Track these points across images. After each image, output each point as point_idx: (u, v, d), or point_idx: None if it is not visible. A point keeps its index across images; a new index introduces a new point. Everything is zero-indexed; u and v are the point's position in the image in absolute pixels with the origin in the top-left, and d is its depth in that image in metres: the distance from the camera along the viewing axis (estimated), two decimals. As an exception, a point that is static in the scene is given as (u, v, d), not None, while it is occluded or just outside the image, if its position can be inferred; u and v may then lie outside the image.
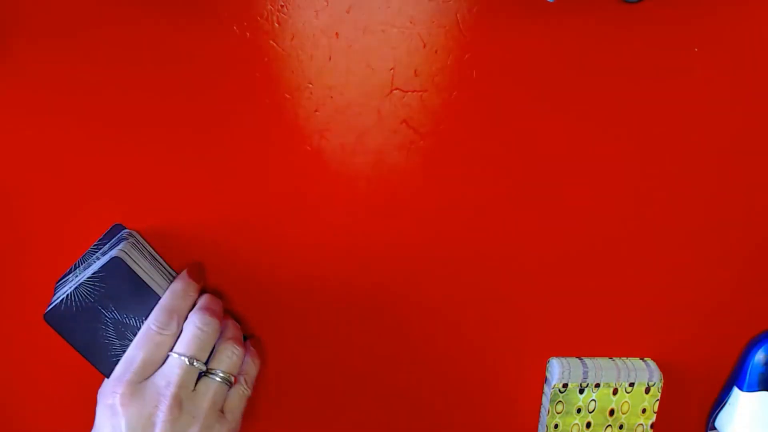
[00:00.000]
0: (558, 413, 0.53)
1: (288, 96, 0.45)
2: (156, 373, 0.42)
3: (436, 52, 0.44)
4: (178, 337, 0.43)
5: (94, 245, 0.46)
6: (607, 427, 0.54)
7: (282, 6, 0.42)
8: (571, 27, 0.44)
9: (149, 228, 0.48)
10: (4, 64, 0.43)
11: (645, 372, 0.53)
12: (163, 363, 0.42)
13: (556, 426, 0.54)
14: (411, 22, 0.43)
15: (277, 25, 0.43)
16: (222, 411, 0.44)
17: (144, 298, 0.44)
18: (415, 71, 0.44)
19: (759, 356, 0.53)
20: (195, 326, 0.43)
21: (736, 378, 0.55)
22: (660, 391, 0.53)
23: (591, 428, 0.54)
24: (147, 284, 0.44)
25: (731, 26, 0.44)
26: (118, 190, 0.46)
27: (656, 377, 0.53)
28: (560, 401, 0.53)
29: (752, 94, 0.46)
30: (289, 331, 0.52)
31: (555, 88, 0.45)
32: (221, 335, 0.45)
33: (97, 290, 0.42)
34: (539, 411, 0.56)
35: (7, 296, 0.49)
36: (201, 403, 0.42)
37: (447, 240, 0.49)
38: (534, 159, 0.47)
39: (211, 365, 0.44)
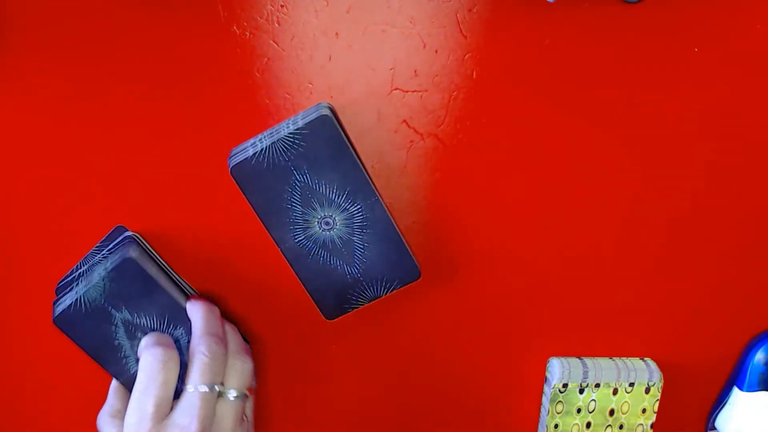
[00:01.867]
0: (558, 413, 0.53)
1: (288, 96, 0.45)
2: (175, 411, 0.41)
3: (436, 52, 0.44)
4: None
5: (96, 247, 0.46)
6: (607, 427, 0.54)
7: (282, 6, 0.42)
8: (571, 27, 0.44)
9: (150, 230, 0.48)
10: (5, 65, 0.43)
11: (645, 372, 0.53)
12: (178, 396, 0.42)
13: (556, 426, 0.54)
14: (411, 22, 0.43)
15: (277, 25, 0.43)
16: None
17: (154, 297, 0.43)
18: (415, 71, 0.44)
19: (759, 356, 0.53)
20: (204, 355, 0.42)
21: (736, 378, 0.54)
22: (660, 391, 0.53)
23: (591, 428, 0.54)
24: (158, 283, 0.43)
25: (731, 26, 0.44)
26: (119, 191, 0.46)
27: (656, 377, 0.53)
28: (560, 401, 0.53)
29: (752, 95, 0.46)
30: (291, 333, 0.52)
31: (555, 88, 0.45)
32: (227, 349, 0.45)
33: (108, 291, 0.42)
34: (539, 411, 0.56)
35: (9, 297, 0.49)
36: (226, 426, 0.42)
37: (445, 239, 0.49)
38: (533, 159, 0.47)
39: (226, 384, 0.43)
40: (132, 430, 0.40)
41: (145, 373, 0.41)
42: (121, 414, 0.44)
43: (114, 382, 0.46)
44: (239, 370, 0.44)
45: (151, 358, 0.41)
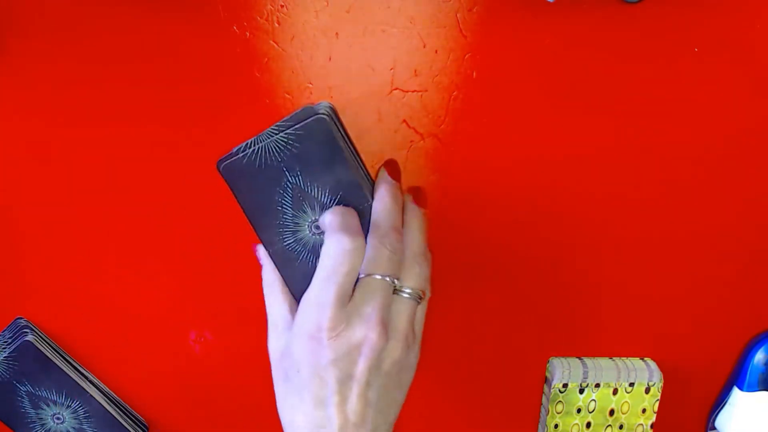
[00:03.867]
0: (558, 413, 0.53)
1: (288, 96, 0.45)
2: (355, 298, 0.39)
3: (436, 52, 0.44)
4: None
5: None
6: (607, 427, 0.54)
7: (282, 6, 0.42)
8: (571, 27, 0.44)
9: (148, 229, 0.48)
10: (5, 65, 0.43)
11: (645, 372, 0.53)
12: (358, 282, 0.39)
13: (556, 426, 0.54)
14: (411, 22, 0.43)
15: (277, 25, 0.43)
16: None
17: (335, 169, 0.39)
18: (415, 71, 0.44)
19: (759, 356, 0.53)
20: (386, 248, 0.40)
21: (736, 378, 0.54)
22: (660, 391, 0.53)
23: (591, 428, 0.54)
24: (344, 153, 0.39)
25: (731, 26, 0.44)
26: (115, 191, 0.46)
27: (656, 377, 0.53)
28: (560, 401, 0.53)
29: (752, 95, 0.46)
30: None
31: (555, 88, 0.45)
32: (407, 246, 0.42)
33: (289, 149, 0.39)
34: (539, 411, 0.56)
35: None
36: (400, 325, 0.40)
37: (446, 239, 0.49)
38: (533, 159, 0.47)
39: (402, 282, 0.41)
40: (312, 313, 0.39)
41: (329, 259, 0.39)
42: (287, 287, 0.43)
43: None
44: (416, 272, 0.41)
45: (337, 246, 0.39)
